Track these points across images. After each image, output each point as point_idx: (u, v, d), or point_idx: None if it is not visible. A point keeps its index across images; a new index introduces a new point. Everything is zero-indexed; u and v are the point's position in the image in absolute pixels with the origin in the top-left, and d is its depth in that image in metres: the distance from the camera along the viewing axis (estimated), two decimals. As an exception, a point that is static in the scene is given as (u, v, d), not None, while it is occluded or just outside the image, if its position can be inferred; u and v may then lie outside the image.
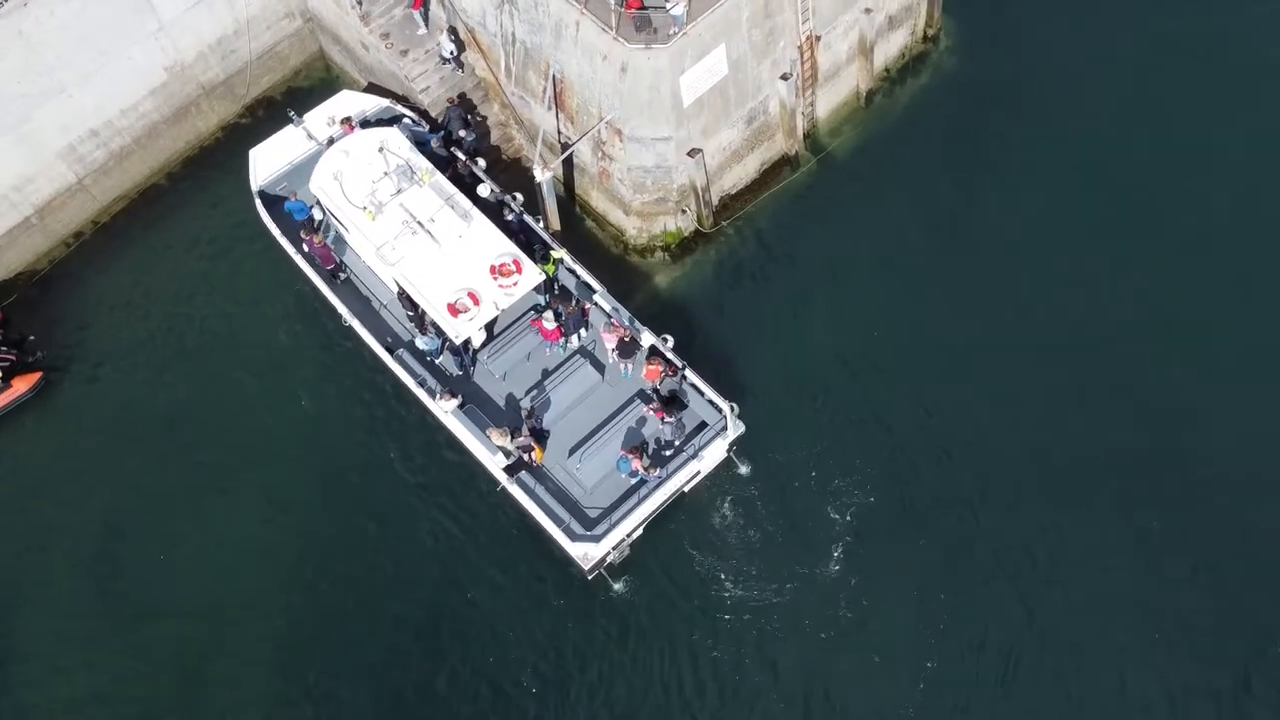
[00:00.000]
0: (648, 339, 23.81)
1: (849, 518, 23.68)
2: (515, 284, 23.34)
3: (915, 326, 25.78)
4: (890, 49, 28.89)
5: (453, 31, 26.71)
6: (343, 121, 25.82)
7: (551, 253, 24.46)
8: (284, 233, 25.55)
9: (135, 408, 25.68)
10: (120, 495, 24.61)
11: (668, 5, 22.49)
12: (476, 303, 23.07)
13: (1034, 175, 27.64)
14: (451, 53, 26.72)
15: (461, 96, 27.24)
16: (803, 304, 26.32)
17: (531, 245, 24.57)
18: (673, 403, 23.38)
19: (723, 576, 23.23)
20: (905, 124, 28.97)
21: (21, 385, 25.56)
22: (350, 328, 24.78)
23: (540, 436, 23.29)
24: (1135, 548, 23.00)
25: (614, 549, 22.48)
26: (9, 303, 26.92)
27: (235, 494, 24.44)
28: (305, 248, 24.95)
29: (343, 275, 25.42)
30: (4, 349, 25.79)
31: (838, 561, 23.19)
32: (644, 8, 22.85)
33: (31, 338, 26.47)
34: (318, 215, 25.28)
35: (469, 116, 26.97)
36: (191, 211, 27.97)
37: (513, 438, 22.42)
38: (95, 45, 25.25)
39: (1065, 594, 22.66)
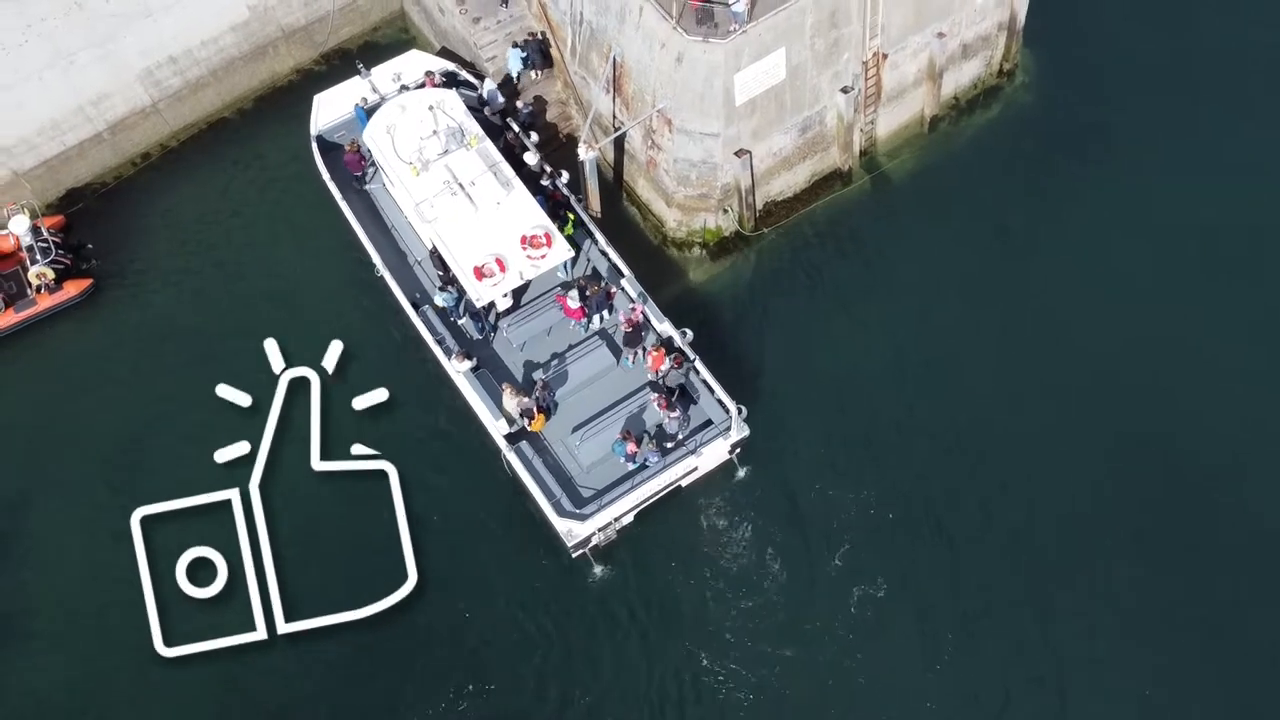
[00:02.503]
0: (667, 330, 23.93)
1: (845, 538, 23.44)
2: (544, 256, 23.64)
3: (942, 357, 25.45)
4: (962, 77, 28.50)
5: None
6: (426, 74, 26.60)
7: (570, 215, 24.80)
8: (334, 179, 26.25)
9: (169, 325, 26.64)
10: (142, 404, 25.56)
11: (730, 1, 22.53)
12: (503, 269, 23.43)
13: (1093, 224, 27.06)
14: None
15: (540, 35, 27.40)
16: (831, 320, 26.16)
17: (557, 211, 24.89)
18: (679, 396, 23.40)
19: (706, 576, 23.17)
20: (967, 155, 28.57)
21: (72, 289, 26.70)
22: (382, 277, 25.33)
23: (547, 409, 23.52)
24: (1143, 581, 22.63)
25: (600, 530, 22.59)
26: (74, 210, 28.19)
27: (252, 426, 24.96)
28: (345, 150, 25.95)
29: (358, 187, 26.26)
30: (62, 252, 26.98)
31: (824, 580, 22.97)
32: (708, 1, 22.93)
33: (89, 246, 27.68)
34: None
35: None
36: (254, 148, 28.89)
37: (525, 409, 22.71)
38: (185, -25, 26.34)
39: (1071, 623, 22.26)
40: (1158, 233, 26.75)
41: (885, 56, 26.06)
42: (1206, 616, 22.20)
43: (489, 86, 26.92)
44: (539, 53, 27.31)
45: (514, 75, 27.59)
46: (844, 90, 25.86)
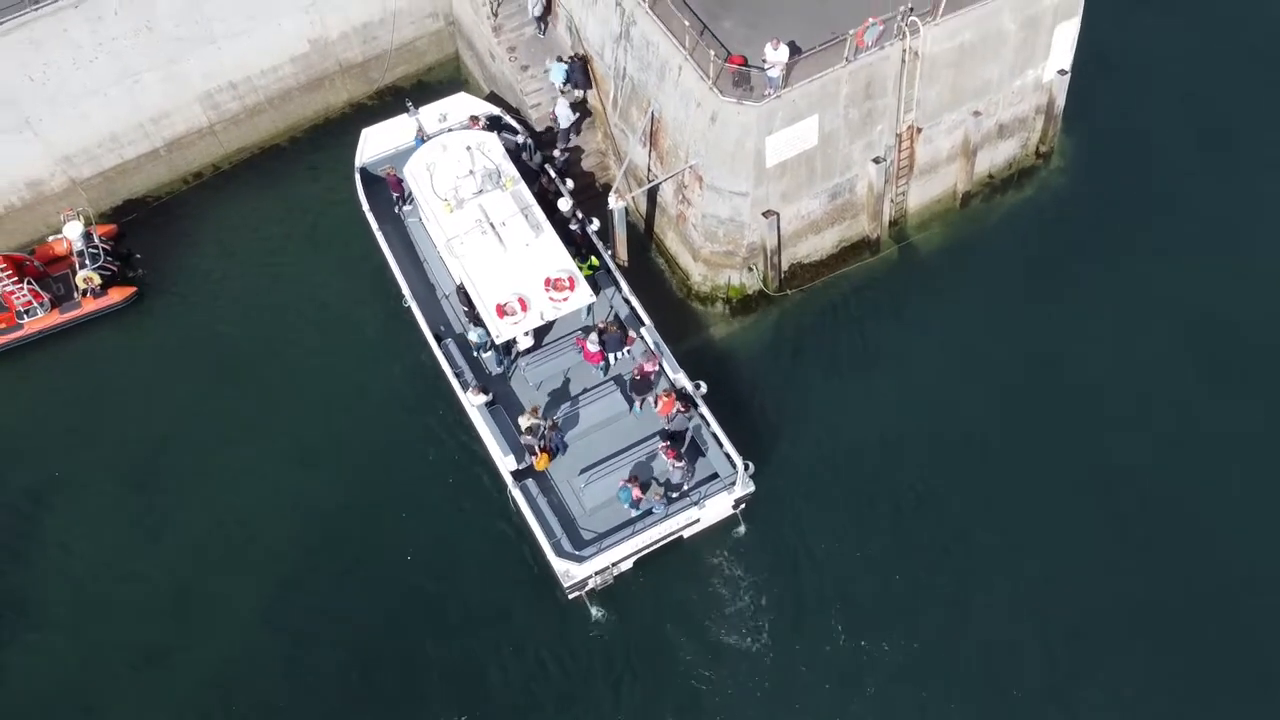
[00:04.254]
0: (682, 381, 24.25)
1: (844, 604, 23.37)
2: (566, 299, 24.15)
3: (956, 432, 25.44)
4: (997, 156, 28.76)
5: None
6: (471, 118, 27.50)
7: (592, 258, 25.55)
8: (373, 210, 27.10)
9: (206, 340, 27.48)
10: (172, 415, 26.32)
11: (765, 67, 23.11)
12: (524, 308, 23.96)
13: (1121, 313, 26.98)
14: (538, 14, 28.15)
15: (582, 58, 28.01)
16: (848, 385, 26.29)
17: (581, 252, 25.52)
18: (688, 447, 23.63)
19: (700, 631, 23.18)
20: (998, 234, 28.74)
21: (116, 295, 27.71)
22: (409, 308, 25.98)
23: (554, 449, 23.85)
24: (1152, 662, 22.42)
25: (598, 574, 22.77)
26: (127, 220, 29.34)
27: (270, 440, 25.78)
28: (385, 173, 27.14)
29: (399, 209, 27.27)
30: (110, 259, 28.06)
31: (820, 645, 22.86)
32: (746, 65, 23.53)
33: (137, 256, 28.76)
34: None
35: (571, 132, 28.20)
36: (303, 175, 29.93)
37: (533, 432, 23.10)
38: (250, 7, 27.56)
39: (1079, 690, 22.01)
40: (1186, 325, 26.65)
41: (919, 130, 26.44)
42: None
43: (529, 132, 27.71)
44: (581, 71, 27.93)
45: (557, 87, 28.05)
46: (876, 160, 26.25)
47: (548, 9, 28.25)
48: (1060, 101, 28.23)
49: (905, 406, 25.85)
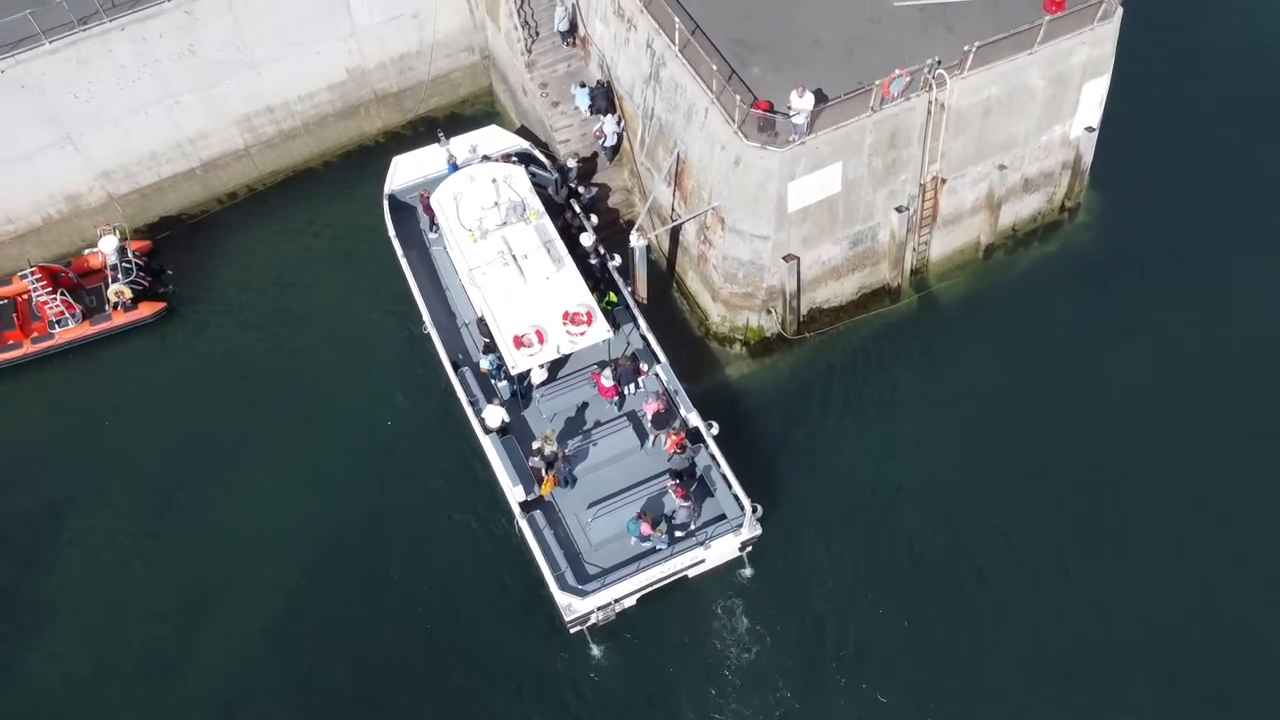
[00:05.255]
0: (694, 420, 24.32)
1: (847, 653, 23.22)
2: (582, 334, 24.34)
3: (968, 485, 25.30)
4: (1022, 210, 28.77)
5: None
6: (502, 156, 27.97)
7: (611, 294, 25.89)
8: (399, 237, 27.53)
9: (229, 357, 27.96)
10: (191, 429, 26.77)
11: (790, 113, 23.34)
12: (541, 341, 24.18)
13: (1141, 373, 26.76)
14: (566, 30, 28.67)
15: (605, 83, 28.38)
16: (861, 432, 26.25)
17: (600, 287, 25.80)
18: (694, 484, 23.66)
19: (701, 674, 23.12)
20: (1020, 287, 28.66)
21: (146, 310, 28.29)
22: (429, 335, 26.29)
23: (564, 481, 23.98)
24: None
25: (600, 609, 22.77)
26: (162, 237, 29.98)
27: (286, 462, 26.15)
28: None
29: (430, 233, 27.74)
30: (143, 274, 28.67)
31: (823, 694, 22.69)
32: (771, 110, 23.78)
33: (169, 272, 29.36)
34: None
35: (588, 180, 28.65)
36: (334, 200, 30.45)
37: (542, 454, 23.28)
38: (291, 35, 28.22)
39: None
40: (1209, 387, 26.40)
41: (944, 181, 26.53)
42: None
43: (556, 167, 28.10)
44: (604, 96, 28.31)
45: (581, 111, 28.51)
46: (899, 209, 26.35)
47: (573, 26, 28.74)
48: (1087, 158, 28.23)
49: (919, 455, 25.75)
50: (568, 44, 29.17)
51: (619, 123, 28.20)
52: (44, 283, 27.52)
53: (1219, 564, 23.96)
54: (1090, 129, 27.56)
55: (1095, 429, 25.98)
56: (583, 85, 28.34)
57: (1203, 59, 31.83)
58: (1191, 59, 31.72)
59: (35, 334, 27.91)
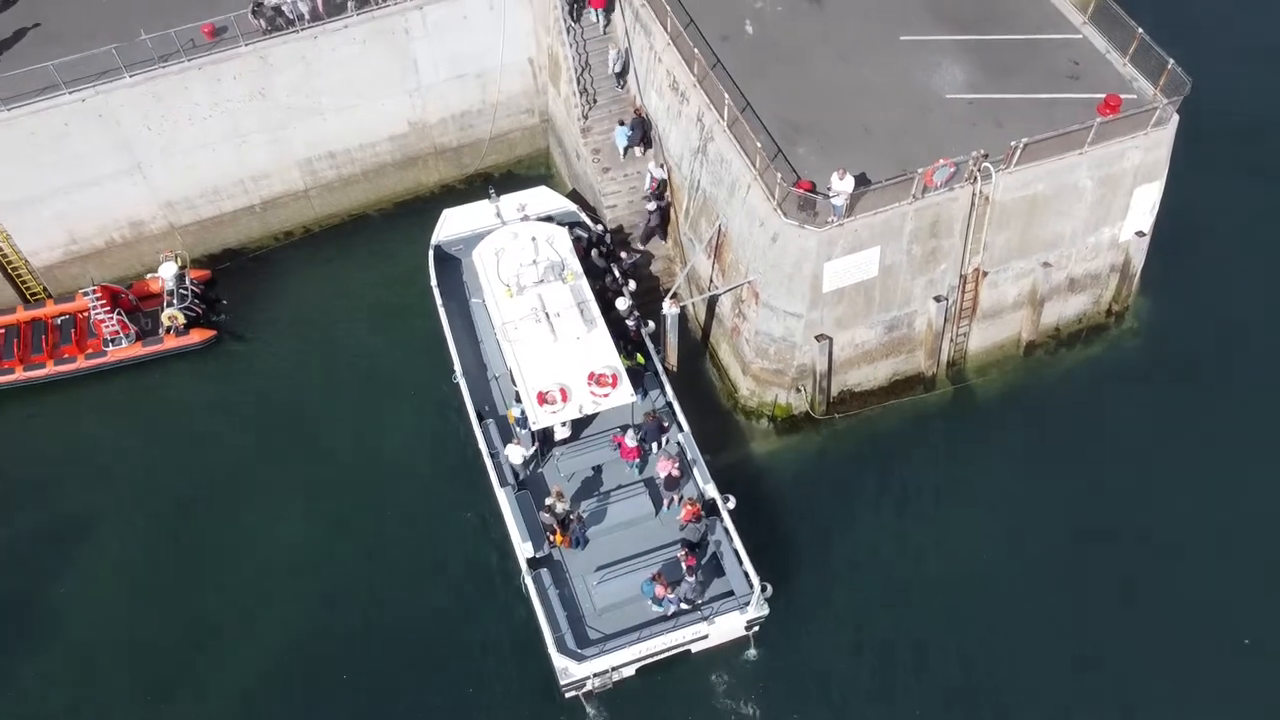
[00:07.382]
0: (710, 493, 24.14)
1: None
2: (606, 395, 24.43)
3: (989, 586, 24.67)
4: (1066, 310, 28.33)
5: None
6: (547, 217, 28.52)
7: (638, 355, 26.07)
8: (440, 288, 28.08)
9: (267, 390, 28.61)
10: (217, 459, 27.31)
11: (830, 194, 23.44)
12: (565, 399, 24.31)
13: (1180, 489, 25.91)
14: (619, 72, 29.28)
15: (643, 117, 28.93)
16: (881, 520, 25.80)
17: (627, 347, 26.00)
18: (705, 557, 23.38)
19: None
20: (1060, 388, 28.08)
21: (197, 336, 29.19)
22: (458, 384, 26.60)
23: (576, 540, 23.89)
24: None
25: (596, 676, 22.47)
26: (221, 268, 31.01)
27: (307, 497, 26.53)
28: None
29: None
30: (197, 302, 29.63)
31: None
32: (813, 190, 23.92)
33: (223, 301, 30.32)
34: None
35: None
36: (385, 247, 31.21)
37: (554, 512, 23.31)
38: (359, 87, 29.27)
39: None
40: (1249, 510, 25.46)
41: (985, 274, 26.30)
42: None
43: (601, 231, 28.57)
44: (641, 130, 28.76)
45: (619, 150, 29.02)
46: (937, 299, 26.15)
47: (625, 69, 29.38)
48: (1137, 263, 27.77)
49: (938, 551, 25.17)
50: (620, 86, 29.83)
51: (661, 167, 28.59)
52: (104, 302, 28.52)
53: (1274, 679, 22.82)
54: (1141, 233, 27.17)
55: (1130, 549, 25.10)
56: (621, 123, 28.86)
57: (1264, 168, 31.23)
58: (1251, 167, 31.12)
59: (90, 350, 28.93)
